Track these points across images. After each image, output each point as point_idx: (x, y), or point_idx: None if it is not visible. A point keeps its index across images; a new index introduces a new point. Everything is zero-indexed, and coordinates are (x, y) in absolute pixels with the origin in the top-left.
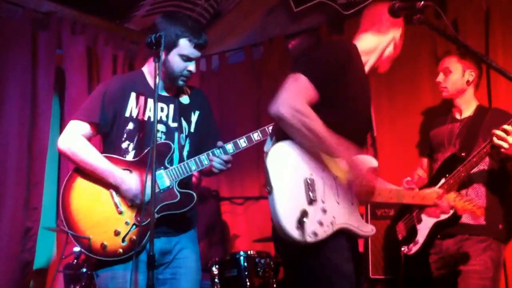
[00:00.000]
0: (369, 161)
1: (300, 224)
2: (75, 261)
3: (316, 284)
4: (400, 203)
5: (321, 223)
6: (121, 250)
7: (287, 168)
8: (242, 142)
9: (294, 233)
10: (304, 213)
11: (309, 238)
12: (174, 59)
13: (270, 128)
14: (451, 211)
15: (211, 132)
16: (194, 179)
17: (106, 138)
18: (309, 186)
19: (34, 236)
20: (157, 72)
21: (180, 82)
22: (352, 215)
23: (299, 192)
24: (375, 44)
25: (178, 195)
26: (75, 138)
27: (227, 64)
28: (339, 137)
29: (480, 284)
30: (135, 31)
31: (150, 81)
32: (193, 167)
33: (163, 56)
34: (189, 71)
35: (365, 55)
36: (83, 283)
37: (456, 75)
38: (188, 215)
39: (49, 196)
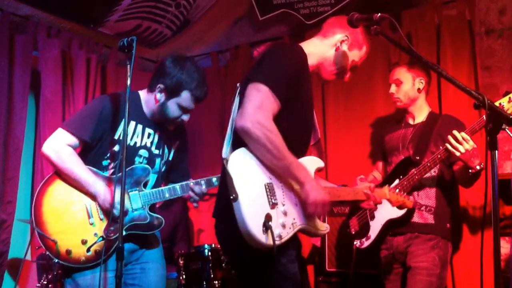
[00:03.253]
0: (316, 162)
1: (266, 228)
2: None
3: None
4: (338, 201)
5: (283, 226)
6: (83, 258)
7: (248, 174)
8: (215, 181)
9: (262, 237)
10: (268, 217)
11: (276, 241)
12: (172, 107)
13: None
14: (403, 210)
15: (182, 163)
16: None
17: (89, 150)
18: (269, 190)
19: (8, 228)
20: (129, 74)
21: (170, 126)
22: (308, 215)
23: (262, 197)
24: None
25: (148, 217)
26: (62, 146)
27: None
28: (297, 159)
29: (427, 280)
30: (108, 35)
31: (145, 109)
32: (167, 195)
33: (162, 99)
34: (182, 119)
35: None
36: (55, 273)
37: (407, 85)
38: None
39: (24, 190)
